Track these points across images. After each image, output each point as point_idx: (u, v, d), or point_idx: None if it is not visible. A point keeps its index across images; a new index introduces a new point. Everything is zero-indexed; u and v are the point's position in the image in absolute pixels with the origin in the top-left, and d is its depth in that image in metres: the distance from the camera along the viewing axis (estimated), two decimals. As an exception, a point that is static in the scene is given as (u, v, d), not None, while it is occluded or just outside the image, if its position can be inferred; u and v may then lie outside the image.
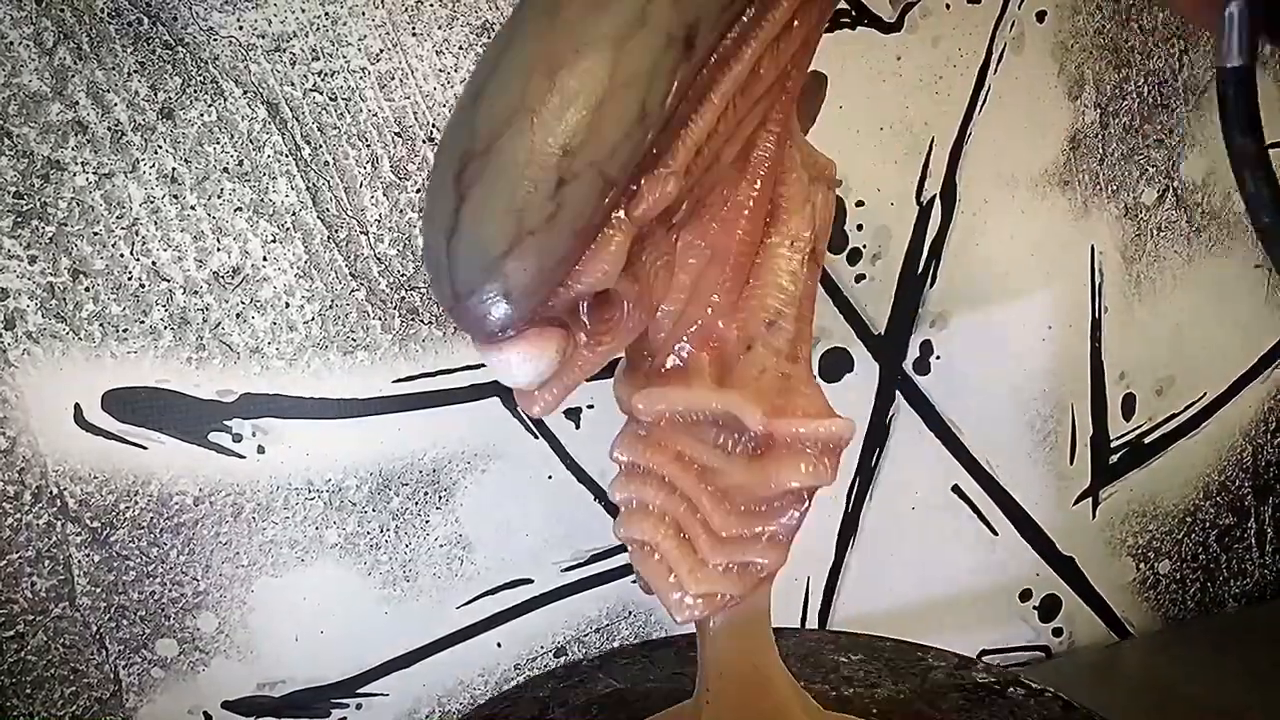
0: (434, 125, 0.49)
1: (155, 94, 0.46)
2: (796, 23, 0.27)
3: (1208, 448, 0.67)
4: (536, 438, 0.54)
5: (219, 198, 0.47)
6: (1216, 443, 0.67)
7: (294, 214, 0.48)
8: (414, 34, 0.48)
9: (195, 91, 0.46)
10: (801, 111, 0.31)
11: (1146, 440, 0.65)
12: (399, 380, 0.51)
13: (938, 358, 0.60)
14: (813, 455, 0.30)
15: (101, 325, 0.47)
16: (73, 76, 0.44)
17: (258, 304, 0.49)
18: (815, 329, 0.35)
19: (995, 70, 0.57)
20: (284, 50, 0.47)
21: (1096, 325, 0.62)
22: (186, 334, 0.48)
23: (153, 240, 0.47)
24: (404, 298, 0.50)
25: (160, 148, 0.46)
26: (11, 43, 0.44)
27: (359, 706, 0.55)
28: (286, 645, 0.53)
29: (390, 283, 0.50)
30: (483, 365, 0.52)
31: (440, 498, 0.53)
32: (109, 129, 0.45)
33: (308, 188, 0.48)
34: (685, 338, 0.31)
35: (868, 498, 0.61)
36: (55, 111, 0.45)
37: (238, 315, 0.49)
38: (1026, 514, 0.64)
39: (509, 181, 0.24)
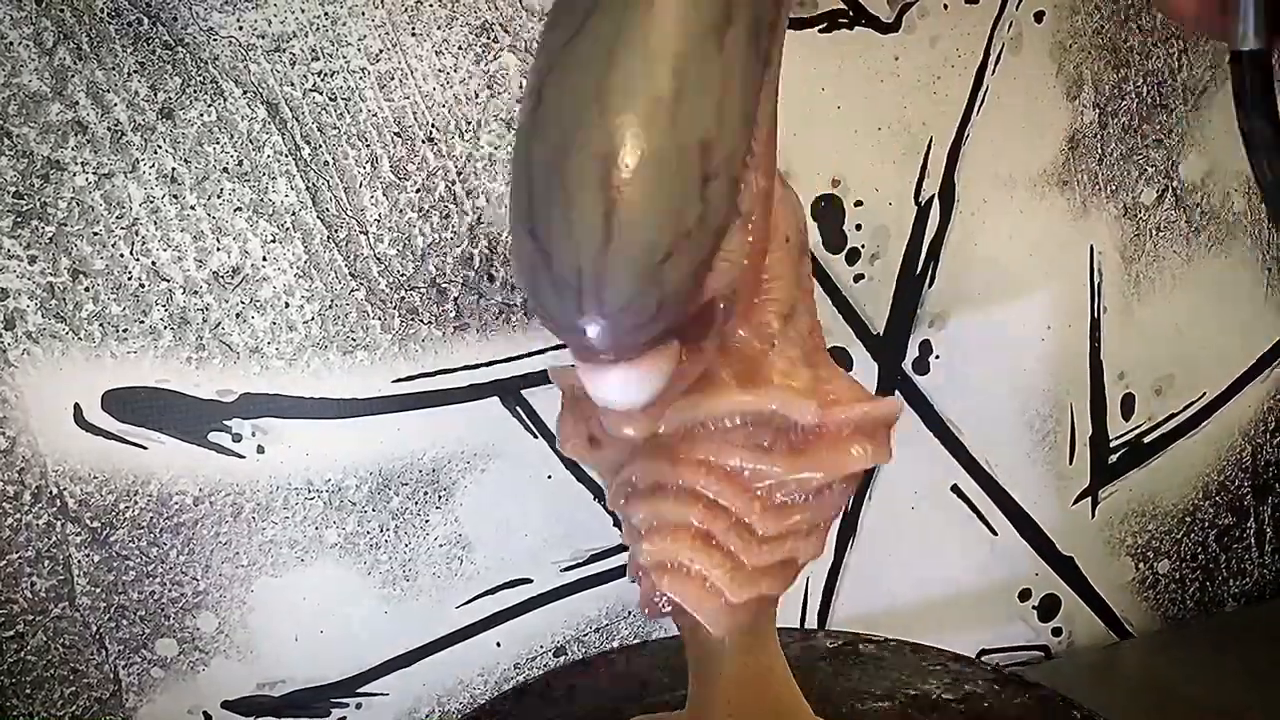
0: (433, 125, 0.49)
1: (155, 94, 0.46)
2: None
3: (1207, 447, 0.67)
4: (536, 437, 0.54)
5: (219, 198, 0.47)
6: (1216, 442, 0.67)
7: (294, 214, 0.48)
8: (413, 34, 0.48)
9: (195, 91, 0.46)
10: None
11: (1146, 440, 0.65)
12: (398, 380, 0.51)
13: (937, 357, 0.60)
14: (864, 437, 0.30)
15: (101, 325, 0.47)
16: (72, 76, 0.45)
17: (257, 304, 0.49)
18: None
19: (993, 70, 0.57)
20: (284, 50, 0.47)
21: (1096, 325, 0.62)
22: (186, 334, 0.48)
23: (153, 240, 0.47)
24: (403, 298, 0.51)
25: (160, 148, 0.46)
26: (11, 43, 0.44)
27: (359, 706, 0.55)
28: (286, 645, 0.53)
29: (390, 283, 0.50)
30: (482, 365, 0.52)
31: (440, 497, 0.53)
32: (109, 129, 0.45)
33: (307, 188, 0.48)
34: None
35: (867, 497, 0.61)
36: (55, 111, 0.45)
37: (237, 315, 0.49)
38: (1026, 514, 0.64)
39: (665, 181, 0.22)
